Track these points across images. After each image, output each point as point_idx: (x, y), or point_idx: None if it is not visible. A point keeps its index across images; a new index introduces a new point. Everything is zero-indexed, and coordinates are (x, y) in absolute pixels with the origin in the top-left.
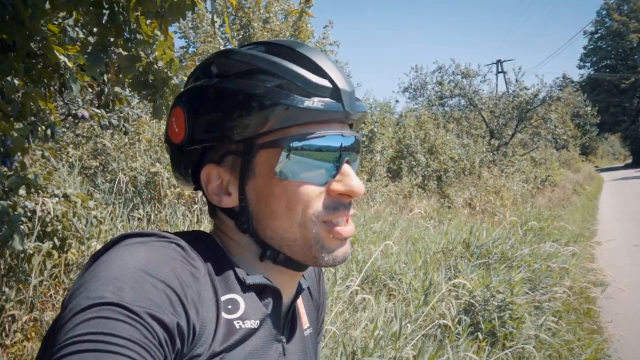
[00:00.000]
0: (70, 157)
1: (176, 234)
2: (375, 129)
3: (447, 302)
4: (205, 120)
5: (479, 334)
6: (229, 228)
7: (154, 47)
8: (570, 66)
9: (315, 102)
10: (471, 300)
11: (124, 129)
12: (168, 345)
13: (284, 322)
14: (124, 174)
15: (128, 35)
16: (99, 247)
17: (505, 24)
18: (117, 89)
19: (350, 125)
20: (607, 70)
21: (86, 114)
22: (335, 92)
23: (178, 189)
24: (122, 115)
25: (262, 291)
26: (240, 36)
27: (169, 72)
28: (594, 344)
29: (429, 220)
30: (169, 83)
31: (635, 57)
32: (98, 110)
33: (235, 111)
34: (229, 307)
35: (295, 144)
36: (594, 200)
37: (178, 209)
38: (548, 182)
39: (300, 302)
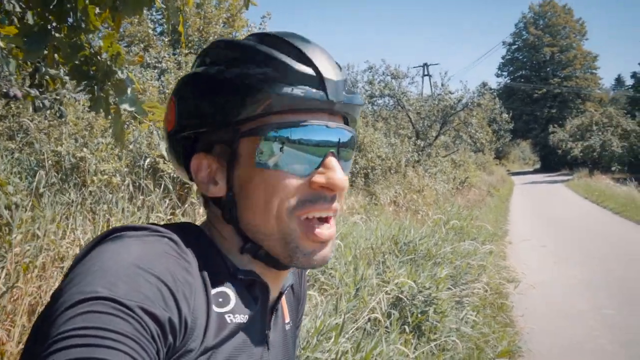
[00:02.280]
0: None
1: (166, 226)
2: None
3: (377, 296)
4: (189, 107)
5: (406, 327)
6: (217, 219)
7: (99, 38)
8: (492, 74)
9: (294, 90)
10: (400, 295)
11: (59, 112)
12: (160, 339)
13: (269, 316)
14: (47, 158)
15: (73, 22)
16: (19, 237)
17: (434, 27)
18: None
19: (346, 120)
20: (522, 80)
21: (19, 93)
22: (319, 81)
23: (106, 176)
24: (57, 97)
25: (251, 285)
26: (172, 21)
27: (113, 66)
28: (507, 336)
29: (357, 216)
30: (113, 77)
31: (548, 69)
32: (31, 90)
33: (216, 97)
34: (220, 300)
35: (274, 132)
36: (505, 202)
37: (104, 196)
38: (466, 184)
39: (283, 297)
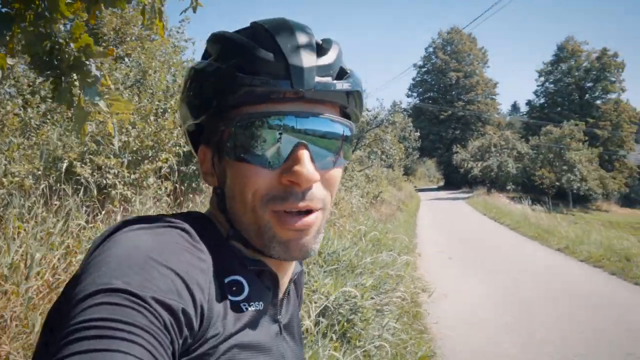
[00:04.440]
0: None
1: (176, 216)
2: None
3: (306, 305)
4: (187, 100)
5: (333, 335)
6: (215, 208)
7: (68, 28)
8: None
9: (258, 79)
10: (327, 304)
11: None
12: (174, 329)
13: (281, 303)
14: None
15: (39, 10)
16: None
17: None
18: None
19: (345, 114)
20: (430, 101)
21: None
22: (285, 68)
23: (17, 179)
24: None
25: (260, 274)
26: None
27: (82, 58)
28: (424, 342)
29: None
30: (82, 69)
31: (453, 92)
32: None
33: (201, 90)
34: (234, 289)
35: (239, 123)
36: (413, 217)
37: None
38: (379, 198)
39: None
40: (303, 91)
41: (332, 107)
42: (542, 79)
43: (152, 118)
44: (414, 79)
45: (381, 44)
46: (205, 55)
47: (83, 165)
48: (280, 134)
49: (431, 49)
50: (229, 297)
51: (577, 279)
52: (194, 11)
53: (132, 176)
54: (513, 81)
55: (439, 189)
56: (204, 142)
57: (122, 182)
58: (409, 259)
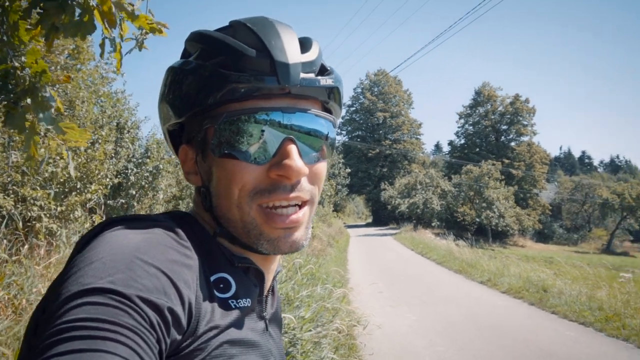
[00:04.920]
0: None
1: (160, 215)
2: (161, 165)
3: None
4: (167, 99)
5: None
6: (199, 207)
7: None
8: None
9: (244, 76)
10: None
11: None
12: (161, 328)
13: (266, 299)
14: None
15: None
16: None
17: None
18: None
19: (326, 109)
20: (359, 139)
21: None
22: (270, 65)
23: None
24: None
25: (247, 270)
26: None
27: (37, 83)
28: None
29: None
30: (37, 95)
31: (381, 132)
32: None
33: (182, 88)
34: (221, 286)
35: (225, 120)
36: (344, 252)
37: None
38: (312, 234)
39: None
40: (289, 87)
41: (315, 103)
42: (462, 121)
43: (82, 149)
44: (343, 118)
45: None
46: (185, 55)
47: (6, 197)
48: (267, 129)
49: (359, 90)
50: (217, 294)
51: (500, 310)
52: (139, 50)
53: (59, 208)
54: (436, 122)
55: (367, 225)
56: (186, 142)
57: (48, 215)
58: (345, 292)
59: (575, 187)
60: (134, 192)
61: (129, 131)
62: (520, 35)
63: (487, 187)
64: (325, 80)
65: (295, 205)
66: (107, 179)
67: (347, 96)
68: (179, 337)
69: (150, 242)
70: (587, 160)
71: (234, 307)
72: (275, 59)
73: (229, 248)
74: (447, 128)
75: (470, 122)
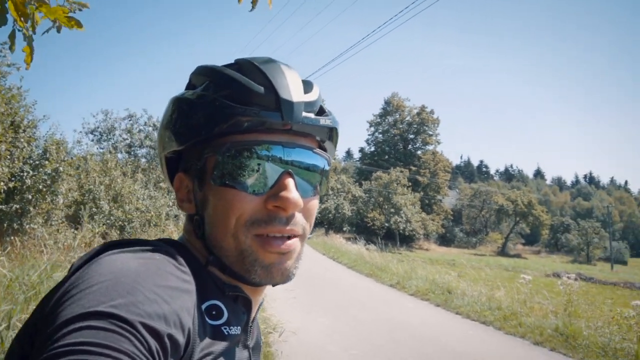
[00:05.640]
0: None
1: (155, 241)
2: (62, 168)
3: None
4: (169, 127)
5: None
6: (191, 235)
7: None
8: None
9: (250, 110)
10: None
11: None
12: (159, 355)
13: (250, 329)
14: None
15: None
16: None
17: None
18: None
19: (322, 146)
20: None
21: None
22: (275, 102)
23: None
24: None
25: (236, 299)
26: None
27: None
28: None
29: None
30: None
31: None
32: None
33: (185, 118)
34: (213, 313)
35: (228, 151)
36: None
37: None
38: None
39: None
40: (292, 124)
41: (312, 141)
42: (372, 129)
43: None
44: None
45: None
46: (189, 87)
47: None
48: (268, 162)
49: None
50: (210, 321)
51: (409, 312)
52: (58, 31)
53: None
54: (346, 129)
55: None
56: (183, 170)
57: None
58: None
59: (474, 194)
60: (30, 197)
61: (24, 130)
62: (427, 49)
63: (396, 194)
64: (324, 120)
65: (289, 237)
66: (2, 183)
67: None
68: None
69: (150, 267)
70: (484, 169)
71: (226, 333)
72: (281, 96)
73: (219, 277)
74: (358, 135)
75: (380, 130)
